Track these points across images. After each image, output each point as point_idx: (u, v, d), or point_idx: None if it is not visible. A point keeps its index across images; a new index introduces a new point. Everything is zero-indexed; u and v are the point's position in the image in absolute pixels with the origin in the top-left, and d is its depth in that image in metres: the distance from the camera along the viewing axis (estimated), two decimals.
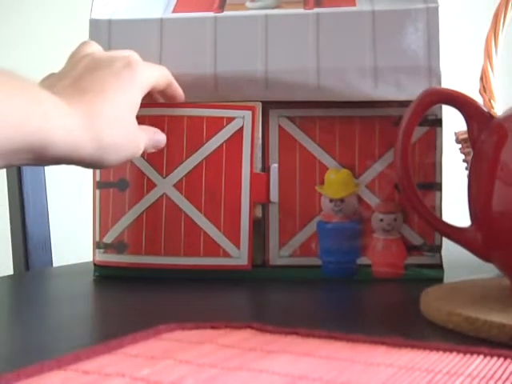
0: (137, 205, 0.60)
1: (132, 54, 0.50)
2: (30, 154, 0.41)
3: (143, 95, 0.51)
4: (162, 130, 0.57)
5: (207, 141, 0.59)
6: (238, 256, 0.59)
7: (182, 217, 0.59)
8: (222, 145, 0.59)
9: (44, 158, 0.42)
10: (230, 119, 0.59)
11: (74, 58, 0.50)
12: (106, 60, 0.49)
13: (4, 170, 0.92)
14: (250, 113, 0.59)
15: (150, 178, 0.60)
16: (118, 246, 0.61)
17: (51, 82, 0.48)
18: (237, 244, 0.59)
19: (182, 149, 0.59)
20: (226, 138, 0.59)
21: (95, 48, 0.52)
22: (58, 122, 0.42)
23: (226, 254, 0.59)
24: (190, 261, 0.59)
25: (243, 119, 0.59)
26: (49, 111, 0.41)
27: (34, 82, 0.43)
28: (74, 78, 0.48)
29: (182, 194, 0.59)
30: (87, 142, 0.44)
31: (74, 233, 1.43)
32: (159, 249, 0.60)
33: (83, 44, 0.53)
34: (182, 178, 0.59)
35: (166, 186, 0.60)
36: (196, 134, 0.59)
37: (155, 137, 0.55)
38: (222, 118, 0.59)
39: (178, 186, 0.59)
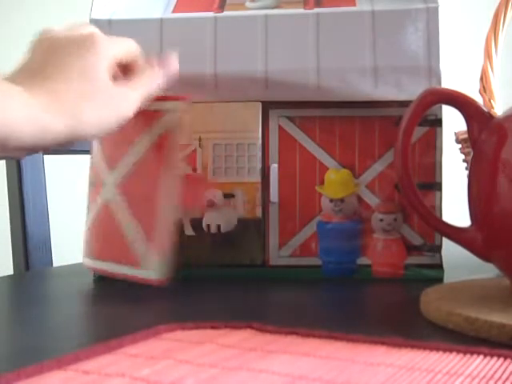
0: (90, 204, 0.58)
1: (94, 31, 0.48)
2: None
3: (111, 70, 0.49)
4: None
5: (138, 136, 0.53)
6: (150, 268, 0.52)
7: (114, 218, 0.54)
8: (154, 141, 0.53)
9: (8, 147, 0.42)
10: (162, 113, 0.53)
11: (34, 46, 0.49)
12: (67, 42, 0.47)
13: (4, 170, 0.92)
14: (181, 104, 0.53)
15: (101, 176, 0.56)
16: (84, 247, 0.60)
17: (14, 73, 0.47)
18: (152, 255, 0.52)
19: (122, 146, 0.54)
20: (156, 134, 0.53)
21: (55, 31, 0.51)
22: (20, 112, 0.42)
23: (138, 265, 0.53)
24: (114, 268, 0.55)
25: (174, 113, 0.52)
26: (8, 102, 0.41)
27: None
28: (35, 66, 0.47)
29: (119, 195, 0.54)
30: (59, 128, 0.43)
31: (74, 233, 1.43)
32: (95, 253, 0.57)
33: (44, 30, 0.51)
34: (121, 177, 0.54)
35: (110, 188, 0.55)
36: (132, 129, 0.52)
37: (160, 76, 0.51)
38: (154, 111, 0.52)
39: (118, 186, 0.55)
